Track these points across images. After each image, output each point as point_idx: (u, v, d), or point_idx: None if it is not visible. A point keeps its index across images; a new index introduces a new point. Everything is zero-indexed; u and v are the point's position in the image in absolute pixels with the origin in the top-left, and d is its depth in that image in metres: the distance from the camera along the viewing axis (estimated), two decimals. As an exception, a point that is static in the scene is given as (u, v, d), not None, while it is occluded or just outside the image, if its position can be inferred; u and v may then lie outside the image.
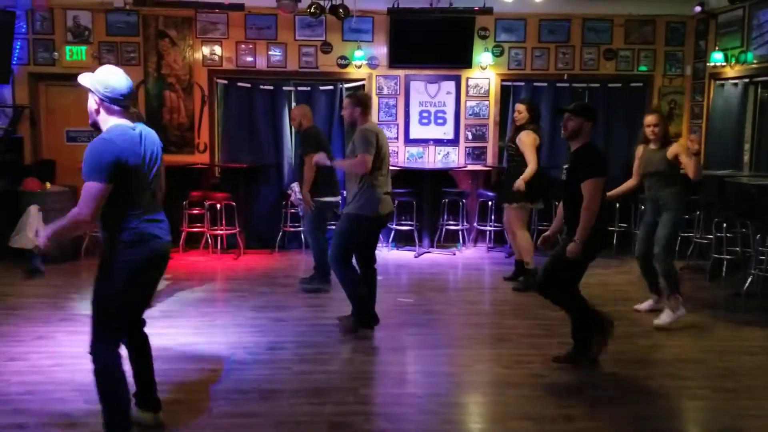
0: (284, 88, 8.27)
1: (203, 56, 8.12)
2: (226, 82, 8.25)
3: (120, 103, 3.00)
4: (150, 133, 3.12)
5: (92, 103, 3.02)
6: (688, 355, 4.62)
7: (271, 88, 8.24)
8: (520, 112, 6.25)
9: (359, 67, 8.24)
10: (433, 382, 4.15)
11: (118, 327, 3.10)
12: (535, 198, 6.33)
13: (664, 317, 5.12)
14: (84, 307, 5.33)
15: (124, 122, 3.02)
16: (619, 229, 8.15)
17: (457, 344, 4.78)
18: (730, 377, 4.19)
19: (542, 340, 4.83)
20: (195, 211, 7.76)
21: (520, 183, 6.06)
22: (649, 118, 5.25)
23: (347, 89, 8.39)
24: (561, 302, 4.30)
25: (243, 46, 8.14)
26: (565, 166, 4.30)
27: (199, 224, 7.74)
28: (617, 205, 8.01)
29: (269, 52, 8.15)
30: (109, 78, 2.98)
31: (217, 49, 8.11)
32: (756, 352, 4.69)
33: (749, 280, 6.07)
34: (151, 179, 3.10)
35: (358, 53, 8.11)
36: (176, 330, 4.93)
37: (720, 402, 3.82)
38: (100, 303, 3.07)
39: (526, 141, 6.12)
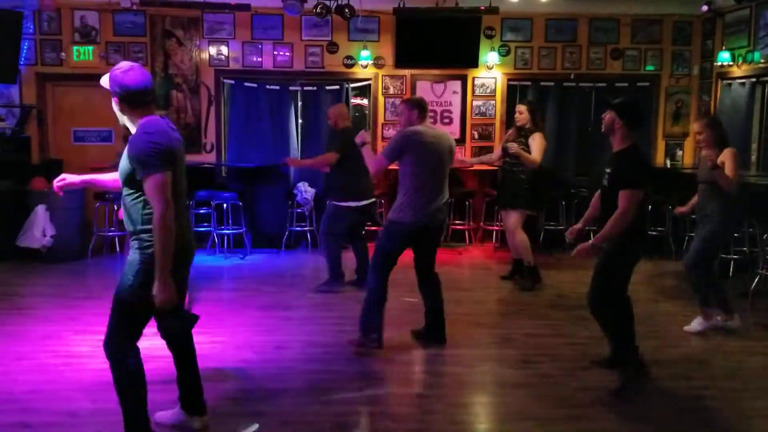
0: (291, 88, 8.29)
1: (210, 56, 8.14)
2: (232, 82, 8.27)
3: (140, 98, 2.90)
4: (176, 131, 3.07)
5: (113, 104, 2.96)
6: (695, 355, 4.60)
7: (278, 88, 8.26)
8: (521, 113, 6.23)
9: (365, 66, 8.24)
10: (438, 382, 4.15)
11: (137, 329, 3.01)
12: (533, 205, 6.36)
13: (694, 324, 5.07)
14: (91, 306, 5.38)
15: (154, 117, 2.94)
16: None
17: (463, 344, 4.77)
18: (737, 378, 4.17)
19: (548, 340, 4.82)
20: (202, 211, 7.78)
21: (516, 148, 6.03)
22: (694, 126, 5.17)
23: (353, 89, 8.40)
24: (604, 317, 4.05)
25: (249, 46, 8.16)
26: (607, 169, 3.97)
27: (206, 223, 7.76)
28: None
29: (275, 52, 8.17)
30: (122, 77, 2.89)
31: (224, 49, 8.13)
32: (763, 352, 4.66)
33: (756, 279, 6.03)
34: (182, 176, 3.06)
35: (364, 53, 8.11)
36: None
37: (727, 403, 3.80)
38: (124, 303, 2.93)
39: (540, 142, 6.12)
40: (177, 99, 8.14)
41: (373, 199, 6.16)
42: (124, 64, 2.95)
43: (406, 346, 4.73)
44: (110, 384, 3.02)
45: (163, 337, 3.21)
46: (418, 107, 4.55)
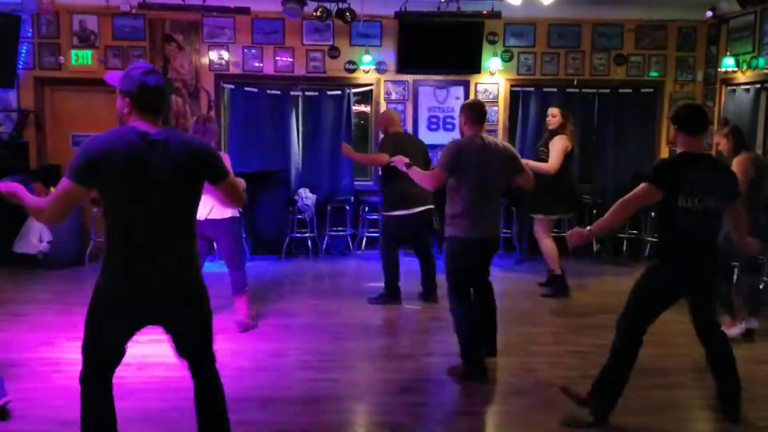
0: (291, 93, 8.22)
1: (210, 61, 8.09)
2: (233, 86, 8.22)
3: (135, 99, 2.56)
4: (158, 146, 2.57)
5: (122, 104, 2.64)
6: (698, 364, 4.44)
7: (279, 92, 8.20)
8: (554, 116, 6.16)
9: (367, 72, 8.18)
10: (438, 390, 4.06)
11: (96, 366, 2.68)
12: (553, 210, 6.22)
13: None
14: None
15: (131, 125, 2.57)
16: (630, 236, 8.04)
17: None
18: (744, 389, 4.06)
19: (550, 348, 4.73)
20: (200, 217, 7.70)
21: (527, 163, 5.80)
22: (715, 134, 5.07)
23: (355, 94, 8.34)
24: (618, 338, 3.55)
25: (250, 50, 8.10)
26: None
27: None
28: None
29: (276, 57, 8.11)
30: (128, 70, 2.63)
31: (224, 54, 8.07)
32: (761, 359, 4.56)
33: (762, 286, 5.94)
34: None
35: (366, 58, 8.06)
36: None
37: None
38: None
39: (558, 145, 6.05)
40: (176, 104, 8.08)
41: (428, 206, 5.67)
42: (143, 64, 2.69)
43: (405, 353, 4.64)
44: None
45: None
46: (469, 112, 4.28)
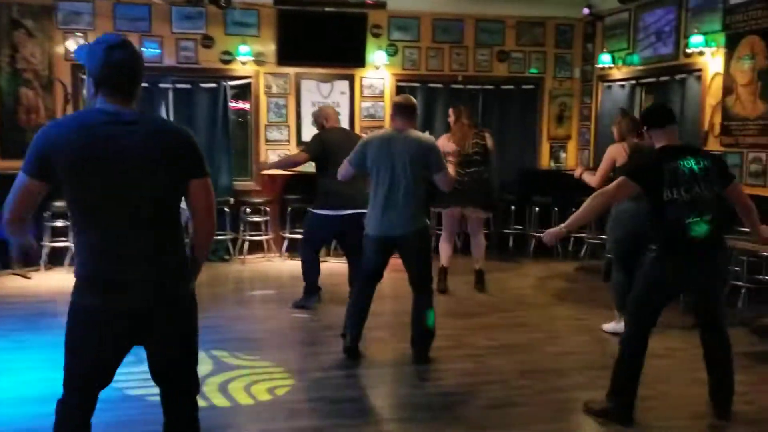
0: (161, 85, 7.55)
1: (66, 50, 7.25)
2: (93, 78, 7.41)
3: (101, 78, 2.16)
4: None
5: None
6: (597, 361, 4.42)
7: (146, 85, 7.47)
8: (449, 116, 6.20)
9: (245, 63, 7.66)
10: (323, 409, 3.71)
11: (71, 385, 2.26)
12: (446, 202, 6.02)
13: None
14: None
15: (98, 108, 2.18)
16: (514, 231, 8.06)
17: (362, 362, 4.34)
18: (643, 384, 4.02)
19: (446, 353, 4.50)
20: (59, 223, 6.88)
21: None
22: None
23: (233, 87, 7.80)
24: (627, 327, 3.54)
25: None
26: None
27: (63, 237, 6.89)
28: (512, 207, 7.93)
29: (143, 46, 7.40)
30: (91, 46, 2.21)
31: (82, 42, 7.25)
32: (662, 354, 4.56)
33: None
34: None
35: (243, 48, 7.53)
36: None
37: (637, 413, 3.60)
38: None
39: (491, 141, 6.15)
40: (26, 97, 7.17)
41: (360, 210, 5.00)
42: (110, 37, 2.23)
43: (293, 370, 4.25)
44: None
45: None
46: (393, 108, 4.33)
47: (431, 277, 4.38)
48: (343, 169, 4.33)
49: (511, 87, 8.52)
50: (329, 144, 5.24)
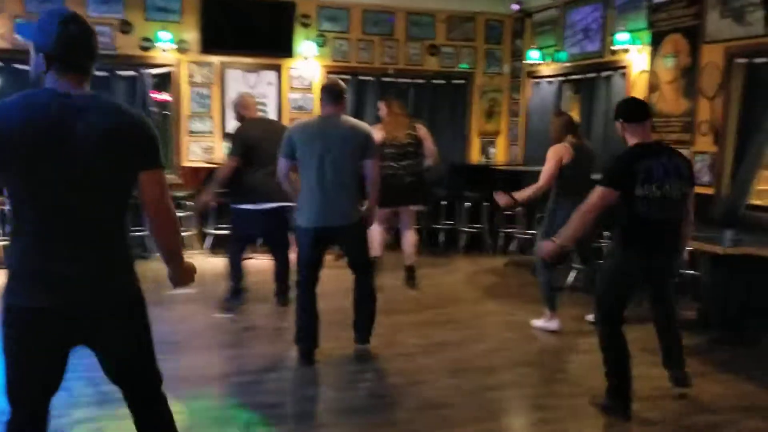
0: (74, 72, 7.08)
1: (-34, 31, 6.71)
2: (1, 64, 6.89)
3: (53, 55, 2.00)
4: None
5: None
6: (525, 357, 4.42)
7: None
8: (380, 108, 6.15)
9: (165, 51, 7.29)
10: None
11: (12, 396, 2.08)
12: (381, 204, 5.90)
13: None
14: None
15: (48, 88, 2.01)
16: (445, 227, 8.02)
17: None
18: (569, 381, 4.02)
19: (377, 352, 4.37)
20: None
21: None
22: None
23: (153, 76, 7.42)
24: (599, 332, 3.54)
25: (22, 22, 6.83)
26: None
27: None
28: (443, 203, 7.89)
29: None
30: (41, 20, 2.03)
31: (-12, 22, 6.74)
32: (586, 350, 4.58)
33: (572, 274, 6.13)
34: None
35: (164, 35, 7.16)
36: None
37: (565, 412, 3.58)
38: None
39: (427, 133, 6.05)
40: None
41: (283, 204, 5.00)
42: (61, 9, 2.08)
43: (213, 376, 4.02)
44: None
45: None
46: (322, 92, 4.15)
47: (370, 258, 4.38)
48: (280, 165, 4.08)
49: (442, 81, 8.48)
50: (250, 139, 5.06)
